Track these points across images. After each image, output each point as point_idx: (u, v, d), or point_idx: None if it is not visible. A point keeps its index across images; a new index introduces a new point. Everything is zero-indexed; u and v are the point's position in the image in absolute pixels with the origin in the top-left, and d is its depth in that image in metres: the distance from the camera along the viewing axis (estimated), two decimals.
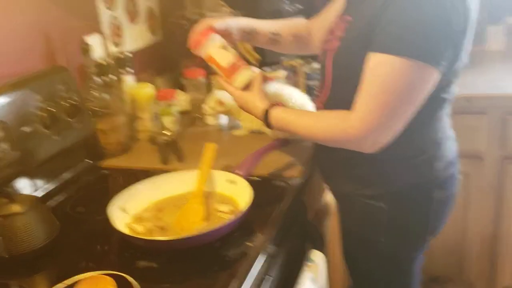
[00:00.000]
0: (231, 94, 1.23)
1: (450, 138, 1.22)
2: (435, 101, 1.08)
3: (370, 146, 1.05)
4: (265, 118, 1.17)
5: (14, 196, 1.04)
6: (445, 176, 1.19)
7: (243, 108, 1.23)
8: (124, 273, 0.90)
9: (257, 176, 1.25)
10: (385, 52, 0.97)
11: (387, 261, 1.27)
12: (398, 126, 1.02)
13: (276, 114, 1.16)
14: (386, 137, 1.03)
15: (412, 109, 1.02)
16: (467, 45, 1.05)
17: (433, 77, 0.99)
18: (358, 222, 1.25)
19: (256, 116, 1.20)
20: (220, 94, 1.54)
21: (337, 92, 1.15)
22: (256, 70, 1.25)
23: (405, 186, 1.16)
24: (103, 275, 0.89)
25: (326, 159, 1.26)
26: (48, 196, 1.26)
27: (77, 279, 0.90)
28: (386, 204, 1.17)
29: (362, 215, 1.22)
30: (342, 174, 1.22)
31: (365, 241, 1.26)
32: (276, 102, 1.21)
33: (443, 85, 1.07)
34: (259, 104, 1.18)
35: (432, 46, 0.97)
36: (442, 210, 1.23)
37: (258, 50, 2.11)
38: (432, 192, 1.17)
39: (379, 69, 0.99)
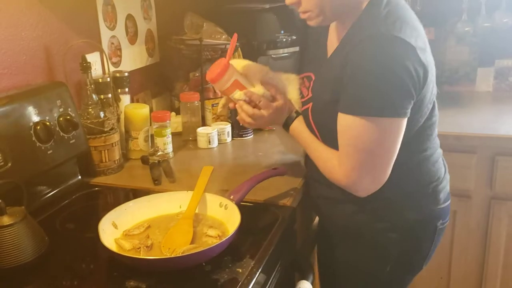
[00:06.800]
0: (262, 114, 1.25)
1: (446, 170, 1.30)
2: (424, 134, 1.18)
3: (362, 193, 1.14)
4: (287, 124, 1.27)
5: (3, 208, 1.02)
6: (446, 206, 1.26)
7: (271, 120, 1.28)
8: None
9: (251, 202, 1.26)
10: (347, 113, 1.06)
11: None
12: (384, 172, 1.10)
13: (296, 125, 1.26)
14: (376, 184, 1.11)
15: (391, 156, 1.08)
16: (432, 83, 1.12)
17: (399, 125, 1.06)
18: (366, 254, 1.27)
19: (279, 123, 1.29)
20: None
21: (327, 143, 1.19)
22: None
23: (414, 218, 1.21)
24: None
25: (330, 193, 1.27)
26: (38, 210, 1.25)
27: None
28: (397, 235, 1.22)
29: (372, 246, 1.25)
30: (353, 210, 1.23)
31: (367, 272, 1.29)
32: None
33: (426, 119, 1.15)
34: (285, 114, 1.28)
35: (388, 100, 1.03)
36: (438, 239, 1.29)
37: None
38: (437, 222, 1.24)
39: (348, 131, 1.08)
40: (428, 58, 1.07)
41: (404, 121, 1.06)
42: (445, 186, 1.27)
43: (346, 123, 1.07)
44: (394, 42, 1.02)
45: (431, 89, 1.12)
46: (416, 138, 1.16)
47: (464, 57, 2.45)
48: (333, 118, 1.11)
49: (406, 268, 1.29)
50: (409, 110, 1.05)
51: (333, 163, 1.14)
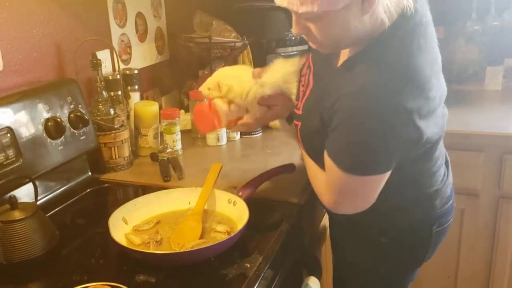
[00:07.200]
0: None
1: (448, 175, 1.24)
2: (427, 155, 1.11)
3: (345, 213, 1.11)
4: (289, 120, 1.25)
5: (15, 203, 1.04)
6: (444, 210, 1.22)
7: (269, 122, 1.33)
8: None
9: (259, 198, 1.26)
10: (333, 160, 1.00)
11: (382, 287, 1.30)
12: (368, 202, 1.05)
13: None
14: (360, 209, 1.07)
15: (377, 191, 1.03)
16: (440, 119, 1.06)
17: (383, 177, 1.01)
18: (359, 253, 1.27)
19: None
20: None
21: (316, 162, 1.15)
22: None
23: (408, 222, 1.19)
24: (103, 285, 0.89)
25: None
26: (49, 205, 1.27)
27: None
28: (390, 239, 1.20)
29: (364, 248, 1.25)
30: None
31: (363, 270, 1.28)
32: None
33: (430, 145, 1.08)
34: (285, 113, 1.26)
35: (372, 161, 0.98)
36: (439, 240, 1.26)
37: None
38: (433, 226, 1.20)
39: (331, 172, 1.02)
40: (435, 95, 0.99)
41: (387, 174, 1.02)
42: (444, 191, 1.21)
43: (330, 165, 1.02)
44: (391, 107, 0.92)
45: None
46: (419, 158, 1.09)
47: (473, 56, 2.44)
48: (320, 146, 1.05)
49: (403, 270, 1.28)
50: (394, 164, 1.00)
51: (321, 185, 1.11)
